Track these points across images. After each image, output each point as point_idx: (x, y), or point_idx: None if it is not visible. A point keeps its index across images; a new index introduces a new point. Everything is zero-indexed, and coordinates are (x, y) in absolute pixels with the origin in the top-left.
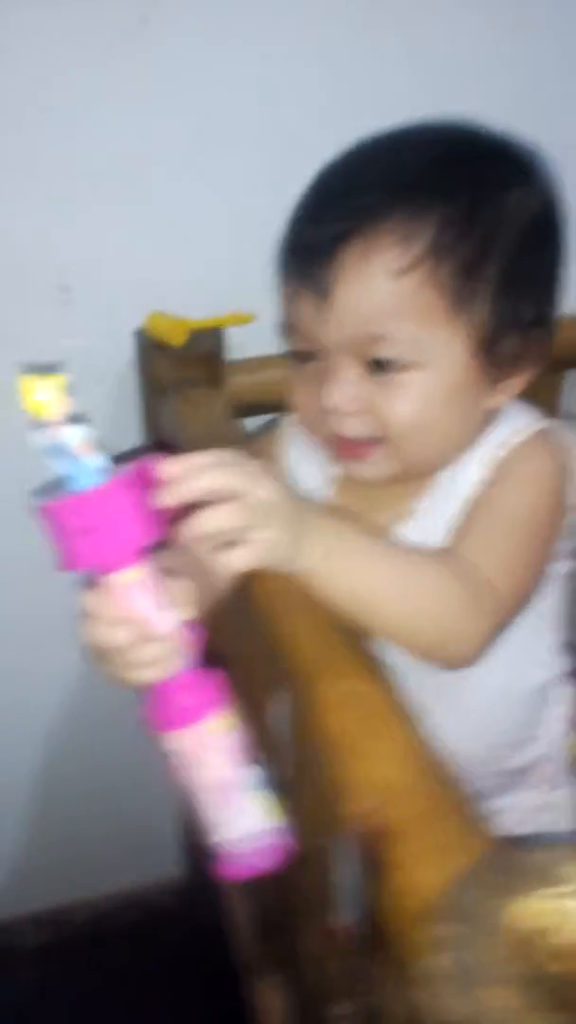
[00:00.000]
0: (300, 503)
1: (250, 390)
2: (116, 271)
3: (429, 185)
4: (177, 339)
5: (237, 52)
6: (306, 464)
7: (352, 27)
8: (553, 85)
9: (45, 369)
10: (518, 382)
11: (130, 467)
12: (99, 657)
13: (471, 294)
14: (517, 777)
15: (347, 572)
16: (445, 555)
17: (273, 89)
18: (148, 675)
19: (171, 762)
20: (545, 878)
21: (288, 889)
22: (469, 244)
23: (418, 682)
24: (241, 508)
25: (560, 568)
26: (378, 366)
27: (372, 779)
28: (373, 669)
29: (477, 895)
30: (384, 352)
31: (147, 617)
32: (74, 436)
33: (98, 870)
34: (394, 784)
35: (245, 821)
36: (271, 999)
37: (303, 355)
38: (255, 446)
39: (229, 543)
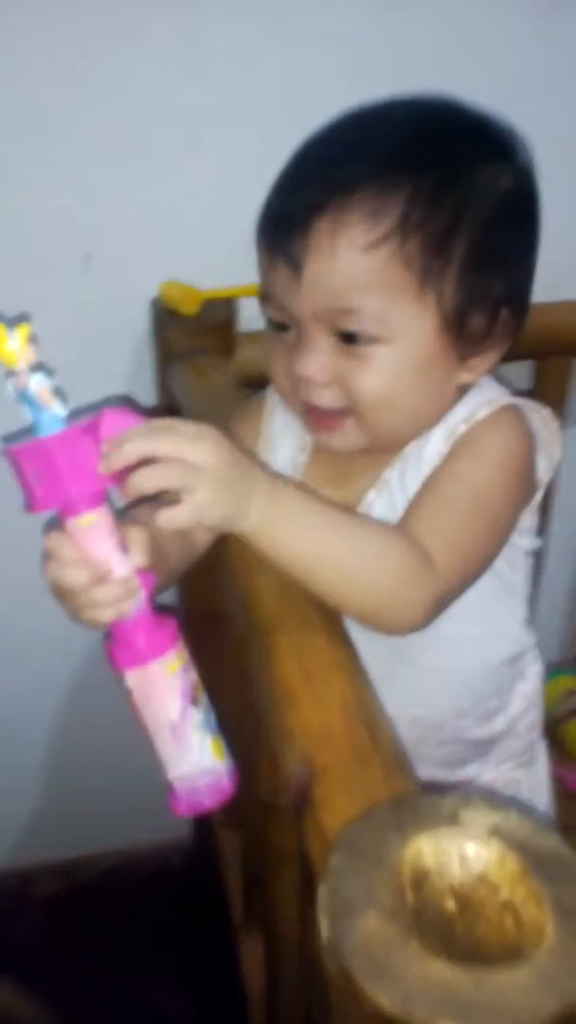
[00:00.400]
0: (243, 467)
1: (260, 362)
2: (136, 241)
3: (401, 160)
4: (189, 308)
5: (255, 30)
6: (288, 431)
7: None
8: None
9: (12, 321)
10: (489, 358)
11: (89, 417)
12: (60, 596)
13: (439, 270)
14: (481, 749)
15: (287, 535)
16: (391, 527)
17: (290, 65)
18: (103, 615)
19: (128, 699)
20: (447, 821)
21: (259, 844)
22: (438, 220)
23: (384, 647)
24: (174, 468)
25: (528, 543)
26: (347, 338)
27: (305, 725)
28: (331, 627)
29: (374, 831)
30: (352, 325)
31: (103, 559)
32: (37, 384)
33: (110, 827)
34: (324, 730)
35: (191, 758)
36: (252, 956)
37: (279, 325)
38: (244, 412)
39: (171, 500)
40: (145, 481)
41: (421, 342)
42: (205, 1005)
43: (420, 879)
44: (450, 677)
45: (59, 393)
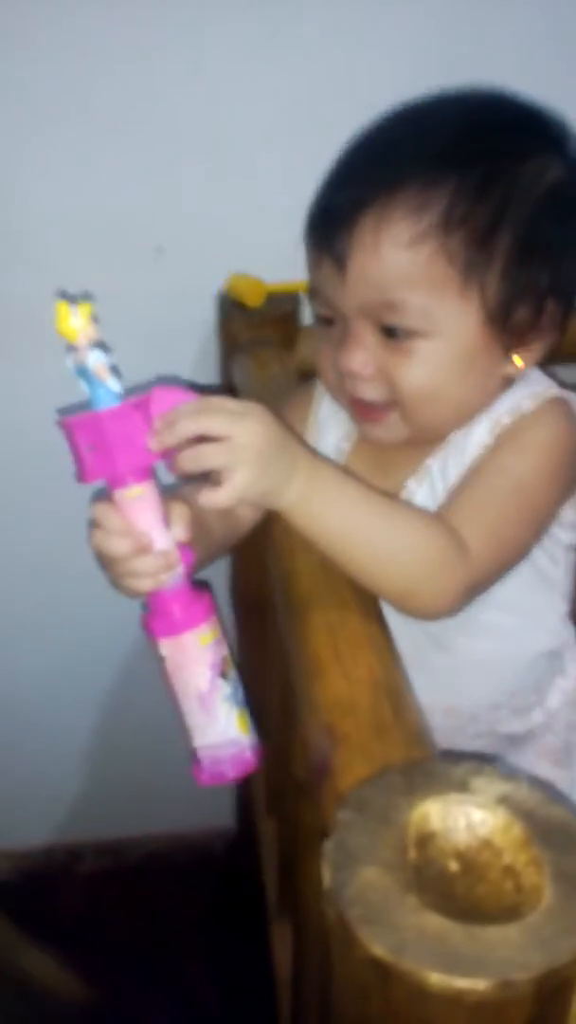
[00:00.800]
0: (285, 445)
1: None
2: (206, 234)
3: (445, 156)
4: (254, 300)
5: (323, 27)
6: (334, 419)
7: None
8: None
9: (76, 299)
10: (535, 351)
11: (142, 395)
12: (103, 563)
13: (484, 264)
14: (517, 744)
15: (323, 512)
16: (428, 512)
17: (359, 61)
18: (142, 585)
19: (161, 667)
20: (457, 787)
21: (292, 826)
22: (482, 214)
23: (420, 632)
24: (220, 449)
25: (570, 537)
26: (391, 333)
27: (330, 696)
28: (365, 606)
29: (384, 792)
30: (396, 320)
31: (145, 531)
32: (95, 360)
33: (157, 810)
34: (349, 702)
35: (216, 729)
36: (282, 943)
37: (326, 319)
38: (293, 400)
39: (214, 481)
40: (192, 462)
41: (465, 336)
42: (236, 988)
43: (425, 840)
44: (485, 667)
45: (115, 370)
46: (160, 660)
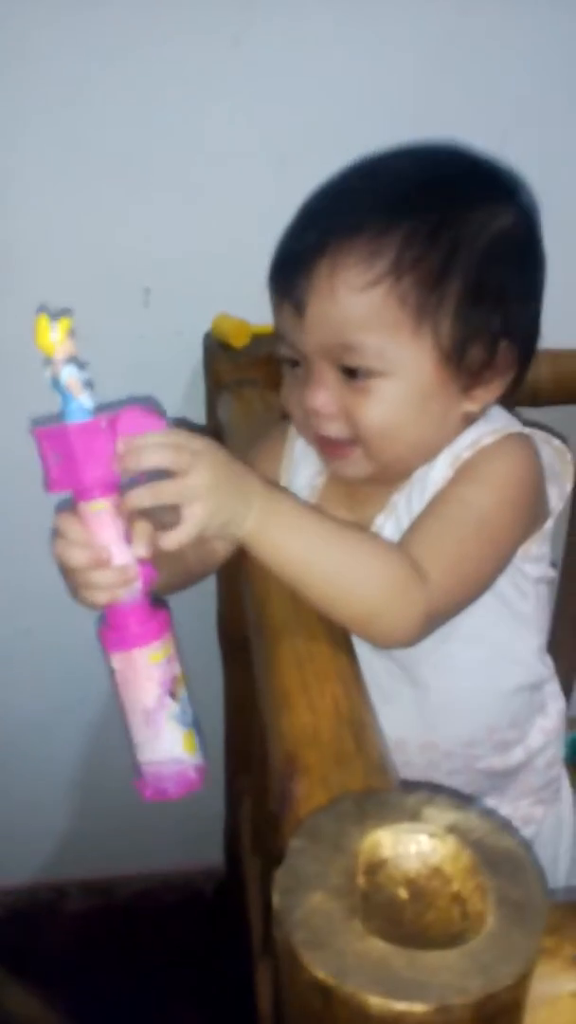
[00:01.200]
0: (241, 478)
1: None
2: (194, 275)
3: (398, 205)
4: (240, 341)
5: (315, 78)
6: (307, 457)
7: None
8: None
9: (56, 315)
10: (493, 389)
11: (112, 413)
12: (63, 572)
13: (435, 306)
14: (498, 782)
15: (281, 541)
16: (387, 542)
17: (343, 108)
18: (97, 597)
19: (111, 679)
20: (409, 816)
21: (272, 866)
22: (431, 260)
23: (393, 665)
24: (175, 485)
25: (538, 571)
26: (351, 373)
27: (294, 727)
28: (335, 637)
29: (337, 820)
30: (354, 361)
31: (105, 545)
32: (69, 375)
33: (146, 848)
34: (312, 732)
35: (161, 747)
36: (265, 982)
37: (291, 361)
38: (270, 437)
39: (173, 519)
40: (145, 498)
41: (420, 375)
42: None
43: (376, 867)
44: (459, 702)
45: (89, 385)
46: (111, 672)
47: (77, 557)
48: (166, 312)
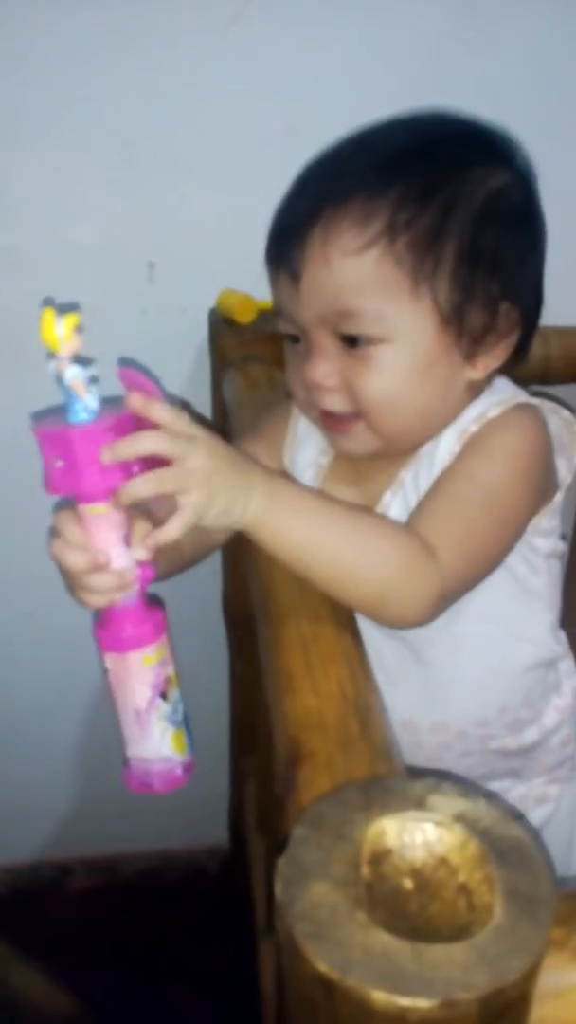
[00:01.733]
0: (239, 465)
1: None
2: (199, 250)
3: (390, 168)
4: (245, 317)
5: (320, 49)
6: (311, 434)
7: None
8: None
9: (64, 308)
10: (496, 355)
11: (118, 414)
12: (61, 571)
13: (432, 267)
14: (514, 761)
15: (285, 526)
16: (395, 522)
17: (353, 81)
18: (94, 600)
19: (104, 675)
20: (415, 804)
21: (276, 847)
22: (426, 219)
23: (401, 645)
24: (171, 472)
25: (548, 545)
26: (351, 342)
27: (298, 710)
28: (340, 620)
29: (341, 808)
30: (352, 328)
31: (103, 549)
32: (73, 375)
33: (150, 827)
34: (317, 716)
35: (149, 745)
36: (268, 961)
37: (292, 337)
38: (273, 414)
39: (170, 507)
40: (140, 488)
41: (421, 340)
42: (225, 1006)
43: (380, 857)
44: (469, 680)
45: (94, 382)
46: (104, 669)
47: (75, 560)
48: (171, 287)
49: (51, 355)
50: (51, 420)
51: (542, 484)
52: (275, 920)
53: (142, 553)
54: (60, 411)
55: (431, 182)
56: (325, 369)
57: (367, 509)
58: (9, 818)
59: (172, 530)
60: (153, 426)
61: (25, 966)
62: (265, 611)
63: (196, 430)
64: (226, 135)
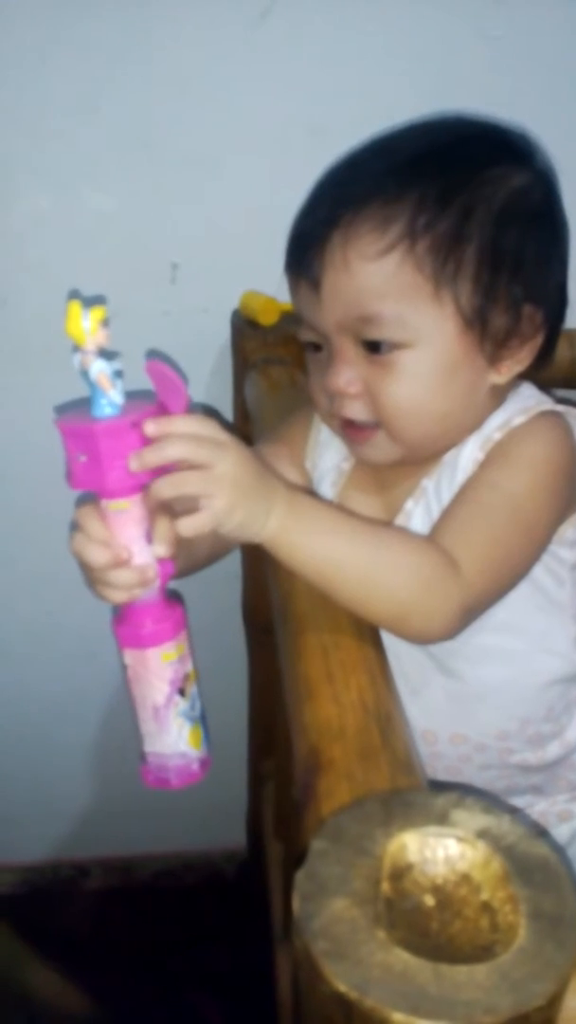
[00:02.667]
0: (262, 478)
1: None
2: (222, 251)
3: (408, 171)
4: (268, 318)
5: (347, 48)
6: (333, 440)
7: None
8: None
9: (90, 301)
10: (521, 359)
11: (142, 407)
12: (81, 566)
13: (453, 270)
14: (535, 777)
15: (305, 542)
16: (417, 535)
17: (376, 82)
18: (115, 596)
19: (124, 673)
20: (437, 819)
21: (294, 853)
22: (446, 222)
23: (423, 656)
24: (198, 476)
25: (573, 556)
26: (374, 348)
27: (318, 719)
28: (361, 629)
29: (361, 821)
30: (374, 333)
31: (125, 545)
32: (98, 369)
33: (168, 829)
34: (337, 726)
35: (167, 741)
36: (285, 966)
37: (314, 345)
38: (297, 417)
39: (191, 508)
40: (167, 489)
41: (444, 344)
42: (240, 1010)
43: (401, 872)
44: (491, 693)
45: (119, 376)
46: (123, 664)
47: (97, 555)
48: (193, 288)
49: (76, 348)
50: (75, 414)
51: (568, 493)
52: (292, 935)
53: (164, 550)
54: (84, 405)
55: (450, 184)
56: (348, 376)
57: (388, 519)
58: (27, 818)
59: (186, 528)
60: (176, 393)
61: (41, 966)
62: (285, 618)
63: (224, 436)
64: (250, 135)
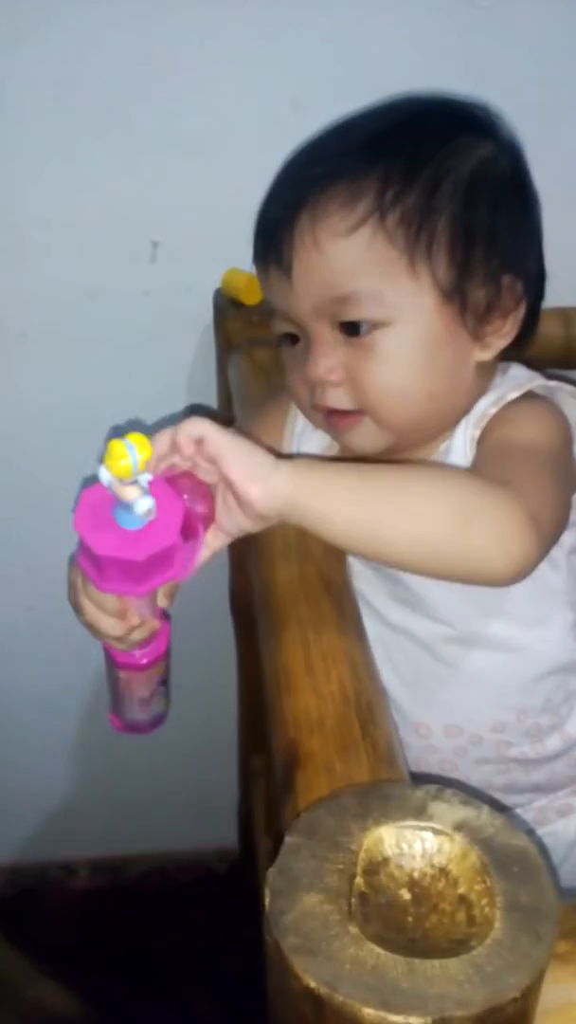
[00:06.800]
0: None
1: None
2: (204, 229)
3: (373, 147)
4: (251, 297)
5: (331, 20)
6: (310, 431)
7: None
8: None
9: (135, 437)
10: (505, 332)
11: (161, 541)
12: (87, 626)
13: (427, 242)
14: (536, 773)
15: (325, 487)
16: (462, 470)
17: (361, 60)
18: (122, 647)
19: (110, 672)
20: (414, 812)
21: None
22: (415, 192)
23: (413, 645)
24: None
25: (569, 539)
26: (352, 330)
27: (297, 711)
28: (343, 620)
29: (336, 815)
30: (351, 313)
31: (138, 614)
32: (145, 506)
33: (158, 828)
34: (316, 717)
35: (147, 713)
36: None
37: (290, 338)
38: (267, 413)
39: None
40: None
41: (424, 320)
42: (232, 1009)
43: (377, 867)
44: (484, 683)
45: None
46: (114, 675)
47: (111, 628)
48: (174, 268)
49: (108, 474)
50: (94, 514)
51: (567, 468)
52: (264, 932)
53: (167, 602)
54: (101, 495)
55: (416, 157)
56: (327, 363)
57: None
58: (13, 816)
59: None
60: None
61: (31, 968)
62: (265, 608)
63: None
64: (231, 110)
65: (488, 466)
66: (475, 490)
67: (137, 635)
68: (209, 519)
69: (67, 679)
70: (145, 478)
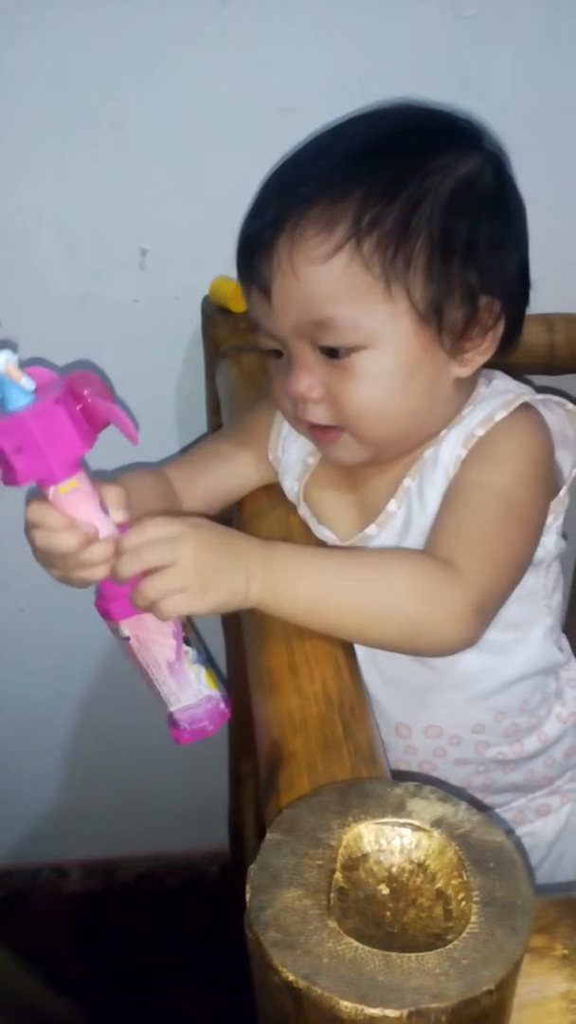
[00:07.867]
0: (228, 549)
1: None
2: (192, 237)
3: (352, 169)
4: (239, 305)
5: (317, 26)
6: (296, 436)
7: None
8: None
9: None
10: (482, 350)
11: (54, 388)
12: (47, 562)
13: (403, 266)
14: (514, 774)
15: (293, 595)
16: (402, 550)
17: (350, 68)
18: (95, 574)
19: (125, 647)
20: (393, 809)
21: None
22: (392, 217)
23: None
24: (163, 578)
25: (548, 542)
26: (331, 352)
27: (280, 712)
28: None
29: (317, 811)
30: (330, 338)
31: (89, 521)
32: (6, 361)
33: (149, 830)
34: (299, 718)
35: (190, 691)
36: None
37: (274, 352)
38: (253, 414)
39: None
40: (140, 599)
41: (401, 342)
42: (223, 1012)
43: (356, 862)
44: (464, 684)
45: (22, 364)
46: (123, 640)
47: (66, 542)
48: (163, 275)
49: None
50: None
51: (549, 481)
52: (244, 927)
53: (122, 515)
54: None
55: (395, 178)
56: (308, 382)
57: (366, 518)
58: (5, 820)
59: (168, 614)
60: (99, 387)
61: (23, 970)
62: (251, 613)
63: (176, 528)
64: (220, 116)
65: (454, 517)
66: (426, 598)
67: (100, 552)
68: (107, 395)
69: (58, 682)
70: (15, 358)
